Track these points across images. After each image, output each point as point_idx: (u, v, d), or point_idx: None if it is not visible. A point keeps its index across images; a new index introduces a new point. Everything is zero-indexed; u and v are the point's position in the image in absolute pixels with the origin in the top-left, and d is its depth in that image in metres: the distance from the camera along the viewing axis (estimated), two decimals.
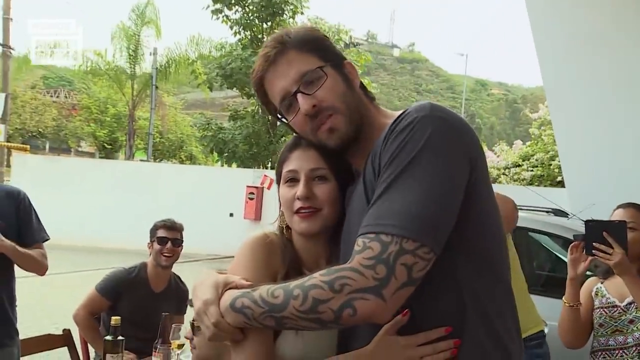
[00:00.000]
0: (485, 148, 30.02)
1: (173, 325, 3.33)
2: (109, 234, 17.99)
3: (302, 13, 23.38)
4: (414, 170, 1.37)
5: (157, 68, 25.51)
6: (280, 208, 1.79)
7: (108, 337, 2.89)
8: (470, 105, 68.22)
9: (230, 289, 1.50)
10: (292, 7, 22.87)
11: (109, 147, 30.50)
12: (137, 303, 3.97)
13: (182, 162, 31.74)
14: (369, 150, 1.54)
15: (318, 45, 1.62)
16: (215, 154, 25.35)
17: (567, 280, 3.14)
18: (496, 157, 25.62)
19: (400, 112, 1.52)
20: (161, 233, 4.12)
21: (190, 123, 34.89)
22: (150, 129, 26.42)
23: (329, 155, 1.68)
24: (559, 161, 10.42)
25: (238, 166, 22.94)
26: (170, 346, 3.22)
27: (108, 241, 17.60)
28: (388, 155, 1.42)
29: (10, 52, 21.54)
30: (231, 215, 18.35)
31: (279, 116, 1.67)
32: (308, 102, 1.54)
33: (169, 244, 4.10)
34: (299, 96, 1.55)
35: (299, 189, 1.67)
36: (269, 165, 22.87)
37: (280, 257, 1.69)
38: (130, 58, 25.74)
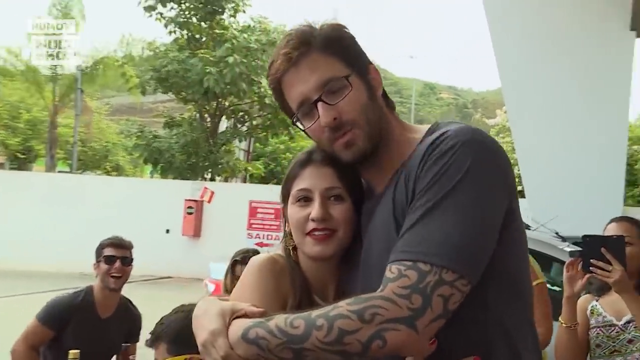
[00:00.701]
0: None
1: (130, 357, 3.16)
2: (32, 255, 17.41)
3: (244, 11, 23.35)
4: (455, 198, 1.40)
5: (82, 70, 24.90)
6: (286, 228, 1.77)
7: None
8: (419, 109, 69.42)
9: (238, 317, 1.47)
10: (233, 4, 22.81)
11: (23, 157, 29.59)
12: (83, 331, 3.76)
13: (107, 173, 31.21)
14: (386, 165, 1.60)
15: (344, 47, 1.60)
16: (148, 165, 25.02)
17: (564, 299, 3.14)
18: None
19: (435, 131, 1.55)
20: (108, 252, 3.96)
21: (116, 130, 34.39)
22: (75, 137, 25.76)
23: (344, 173, 1.69)
24: (518, 170, 10.71)
25: (175, 178, 22.65)
26: None
27: (31, 263, 17.02)
28: (427, 179, 1.43)
29: None
30: (167, 231, 18.19)
31: (295, 121, 1.64)
32: (329, 114, 1.53)
33: (117, 263, 3.93)
34: (320, 106, 1.54)
35: (315, 210, 1.65)
36: (209, 176, 22.67)
37: (290, 282, 1.68)
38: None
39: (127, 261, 3.99)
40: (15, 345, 3.74)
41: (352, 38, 1.64)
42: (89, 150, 31.16)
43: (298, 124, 1.64)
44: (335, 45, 1.58)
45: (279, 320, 1.39)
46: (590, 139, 8.66)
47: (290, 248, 1.75)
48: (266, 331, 1.38)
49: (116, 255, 3.94)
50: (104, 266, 3.92)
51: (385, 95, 1.68)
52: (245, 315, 1.46)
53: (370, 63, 1.65)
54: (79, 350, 2.77)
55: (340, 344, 1.33)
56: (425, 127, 1.65)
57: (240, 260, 4.25)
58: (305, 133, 1.69)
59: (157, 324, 2.63)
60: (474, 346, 1.47)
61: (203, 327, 1.47)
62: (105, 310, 3.96)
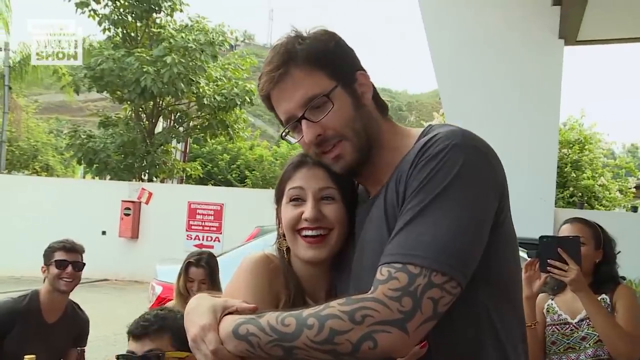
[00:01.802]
0: None
1: None
2: None
3: (181, 10, 23.00)
4: (444, 201, 1.42)
5: (9, 66, 24.22)
6: (280, 230, 1.77)
7: None
8: None
9: (229, 313, 1.48)
10: (170, 3, 22.47)
11: None
12: (28, 337, 3.74)
13: (36, 173, 30.40)
14: (379, 170, 1.63)
15: (328, 59, 1.60)
16: (80, 165, 24.53)
17: (523, 299, 3.16)
18: None
19: (427, 134, 1.57)
20: (59, 256, 3.90)
21: (46, 129, 33.62)
22: (3, 136, 25.05)
23: (337, 175, 1.70)
24: None
25: (111, 178, 22.26)
26: None
27: None
28: (417, 182, 1.46)
29: None
30: (104, 233, 17.92)
31: (284, 135, 1.70)
32: (312, 132, 1.57)
33: (69, 268, 3.89)
34: (304, 123, 1.57)
35: (307, 210, 1.67)
36: (147, 177, 22.36)
37: (284, 282, 1.69)
38: None
39: (79, 266, 3.96)
40: None
41: (339, 47, 1.64)
42: (16, 150, 30.34)
43: (288, 137, 1.68)
44: (319, 58, 1.59)
45: (270, 317, 1.41)
46: (524, 143, 8.88)
47: (284, 249, 1.77)
48: (257, 328, 1.40)
49: (67, 260, 3.89)
50: (54, 270, 3.86)
51: (376, 98, 1.69)
52: (237, 312, 1.48)
53: (359, 69, 1.65)
54: (34, 355, 2.76)
55: (330, 343, 1.35)
56: (418, 131, 1.67)
57: (194, 262, 4.26)
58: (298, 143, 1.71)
59: (158, 310, 2.55)
60: (463, 346, 1.51)
61: (194, 322, 1.48)
62: (52, 315, 3.92)
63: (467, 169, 1.45)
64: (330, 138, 1.57)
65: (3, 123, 25.05)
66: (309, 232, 1.68)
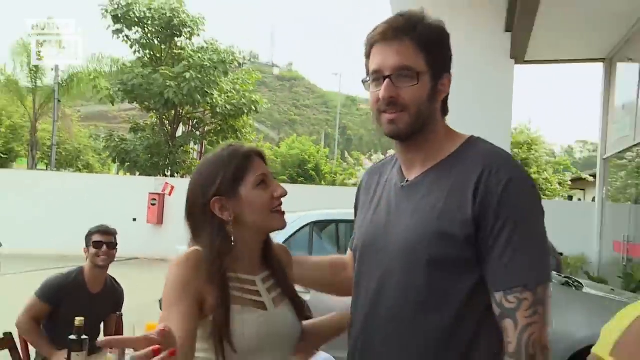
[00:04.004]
0: (362, 157, 31.07)
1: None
2: (30, 241, 16.71)
3: (198, 35, 22.97)
4: (529, 223, 1.42)
5: (59, 83, 24.20)
6: (229, 217, 1.64)
7: (72, 337, 2.70)
8: (342, 118, 69.69)
9: None
10: (189, 29, 22.43)
11: (5, 156, 28.67)
12: (77, 305, 3.70)
13: (79, 170, 30.43)
14: (424, 156, 1.57)
15: (434, 50, 1.53)
16: (114, 164, 24.58)
17: None
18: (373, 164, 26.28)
19: (474, 145, 1.55)
20: (96, 238, 3.94)
21: (86, 134, 33.61)
22: (53, 140, 25.10)
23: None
24: None
25: (140, 174, 22.22)
26: None
27: (30, 247, 16.36)
28: (498, 209, 1.40)
29: None
30: (134, 220, 17.74)
31: (365, 81, 1.59)
32: (388, 92, 1.49)
33: (104, 247, 3.92)
34: (387, 82, 1.50)
35: (279, 189, 1.69)
36: (169, 173, 22.37)
37: (206, 274, 1.56)
38: (31, 73, 24.25)
39: (112, 245, 3.98)
40: (19, 319, 3.70)
41: (447, 46, 1.58)
42: (64, 152, 30.37)
43: (365, 84, 1.59)
44: (429, 45, 1.52)
45: None
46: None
47: (231, 233, 1.65)
48: None
49: (103, 241, 3.92)
50: (93, 250, 3.90)
51: (445, 102, 1.62)
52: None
53: (448, 72, 1.58)
54: (83, 319, 2.79)
55: None
56: (463, 137, 1.60)
57: None
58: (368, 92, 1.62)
59: None
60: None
61: None
62: (95, 287, 3.94)
63: (532, 195, 1.46)
64: (397, 105, 1.50)
65: (53, 129, 25.10)
66: (280, 207, 1.68)
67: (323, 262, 1.95)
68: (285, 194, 1.67)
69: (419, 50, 1.50)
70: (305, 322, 1.80)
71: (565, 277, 5.94)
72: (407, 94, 1.49)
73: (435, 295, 1.43)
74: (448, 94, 1.60)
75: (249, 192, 1.64)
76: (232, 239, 1.65)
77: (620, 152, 8.41)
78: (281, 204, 1.68)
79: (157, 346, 1.17)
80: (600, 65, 8.89)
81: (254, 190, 1.64)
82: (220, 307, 1.55)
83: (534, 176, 21.98)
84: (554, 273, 6.00)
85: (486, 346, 1.44)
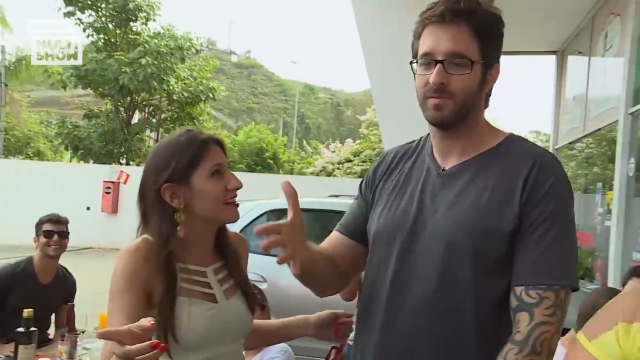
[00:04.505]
0: (320, 145, 31.10)
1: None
2: None
3: (154, 20, 22.64)
4: (565, 226, 1.40)
5: (6, 66, 23.52)
6: (179, 205, 1.62)
7: (20, 329, 2.64)
8: (300, 107, 69.64)
9: None
10: (145, 14, 22.09)
11: None
12: (26, 296, 3.63)
13: (29, 158, 29.66)
14: (463, 146, 1.50)
15: (489, 39, 1.46)
16: (67, 151, 24.12)
17: None
18: (331, 154, 26.31)
19: (516, 143, 1.50)
20: (47, 227, 3.84)
21: (37, 120, 32.83)
22: (0, 126, 24.39)
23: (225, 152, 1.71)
24: None
25: (94, 162, 21.86)
26: (78, 333, 3.01)
27: None
28: (542, 210, 1.37)
29: None
30: (88, 208, 17.54)
31: (412, 62, 1.50)
32: (439, 78, 1.41)
33: (55, 237, 3.83)
34: (439, 67, 1.41)
35: (233, 181, 1.64)
36: (124, 161, 22.07)
37: (156, 263, 1.54)
38: None
39: (64, 234, 3.89)
40: None
41: (501, 35, 1.50)
42: (12, 138, 29.56)
43: (414, 65, 1.49)
44: (485, 33, 1.44)
45: None
46: None
47: (180, 221, 1.62)
48: None
49: (54, 230, 3.83)
50: (43, 239, 3.81)
51: (489, 92, 1.54)
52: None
53: (498, 62, 1.51)
54: (32, 310, 2.73)
55: None
56: (503, 132, 1.55)
57: None
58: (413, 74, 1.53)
59: None
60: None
61: None
62: (45, 277, 3.86)
63: (571, 199, 1.44)
64: (446, 92, 1.41)
65: (0, 115, 24.37)
66: (234, 199, 1.63)
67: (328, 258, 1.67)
68: (239, 186, 1.63)
69: (474, 37, 1.42)
70: (276, 322, 1.83)
71: None
72: (457, 82, 1.42)
73: (474, 287, 1.39)
74: (492, 86, 1.54)
75: (202, 181, 1.59)
76: (180, 228, 1.61)
77: (570, 143, 8.60)
78: (235, 196, 1.64)
79: (156, 341, 1.18)
80: (553, 58, 9.06)
81: (207, 180, 1.59)
82: (165, 298, 1.52)
83: None
84: None
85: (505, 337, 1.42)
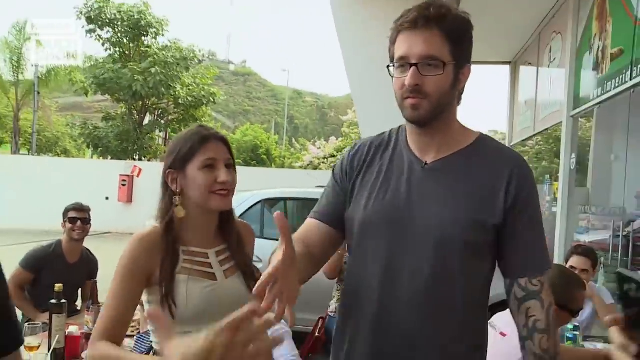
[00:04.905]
0: (307, 143, 31.07)
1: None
2: (14, 218, 16.22)
3: (162, 35, 22.49)
4: (540, 218, 1.38)
5: (39, 77, 23.34)
6: (177, 189, 1.61)
7: (53, 301, 2.64)
8: (290, 109, 69.46)
9: None
10: (154, 30, 21.93)
11: None
12: (56, 273, 3.63)
13: (58, 155, 29.48)
14: (440, 143, 1.41)
15: (460, 41, 1.37)
16: (89, 149, 24.02)
17: None
18: (317, 150, 26.32)
19: (486, 141, 1.44)
20: (72, 214, 3.84)
21: (64, 123, 32.60)
22: (34, 128, 24.26)
23: (230, 148, 1.66)
24: None
25: (112, 158, 21.70)
26: (100, 305, 2.99)
27: (14, 223, 15.84)
28: (526, 201, 1.35)
29: None
30: (107, 198, 17.37)
31: (389, 67, 1.40)
32: (414, 80, 1.32)
33: (79, 223, 3.83)
34: (413, 70, 1.32)
35: (223, 174, 1.58)
36: (137, 157, 21.95)
37: (161, 251, 1.53)
38: (13, 68, 23.57)
39: (86, 221, 3.88)
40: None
41: (470, 37, 1.40)
42: (43, 138, 29.34)
43: (391, 69, 1.39)
44: (456, 36, 1.35)
45: None
46: None
47: (178, 205, 1.60)
48: None
49: (77, 217, 3.83)
50: (69, 225, 3.81)
51: (461, 92, 1.44)
52: None
53: (469, 63, 1.41)
54: (61, 285, 2.72)
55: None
56: (473, 131, 1.47)
57: None
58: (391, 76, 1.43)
59: None
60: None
61: None
62: (72, 257, 3.86)
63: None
64: (421, 92, 1.33)
65: (34, 118, 24.26)
66: (222, 191, 1.57)
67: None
68: (227, 181, 1.57)
69: (446, 41, 1.33)
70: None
71: None
72: (431, 83, 1.33)
73: (465, 275, 1.33)
74: (465, 84, 1.44)
75: (195, 171, 1.57)
76: (180, 211, 1.59)
77: (523, 140, 8.67)
78: (224, 188, 1.58)
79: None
80: (507, 68, 9.11)
81: (199, 171, 1.57)
82: (165, 275, 1.50)
83: None
84: None
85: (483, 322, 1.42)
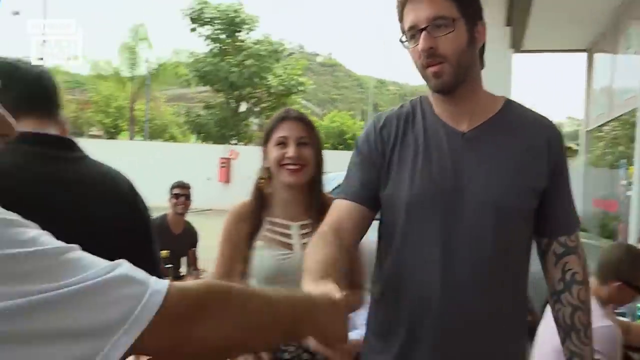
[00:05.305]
0: None
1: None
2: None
3: (255, 30, 22.97)
4: (570, 177, 1.33)
5: (150, 72, 24.83)
6: (264, 164, 1.68)
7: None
8: (374, 98, 68.91)
9: None
10: (247, 26, 22.48)
11: (113, 131, 29.60)
12: (163, 242, 3.87)
13: (166, 141, 31.07)
14: (471, 109, 1.28)
15: None
16: (192, 135, 25.14)
17: None
18: None
19: (512, 105, 1.32)
20: (175, 191, 4.15)
21: (171, 112, 34.23)
22: (146, 117, 25.88)
23: (310, 126, 1.66)
24: None
25: (213, 143, 22.58)
26: (199, 271, 3.27)
27: None
28: (564, 162, 1.29)
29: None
30: (208, 179, 18.08)
31: (402, 40, 1.27)
32: (427, 43, 1.19)
33: (181, 198, 4.13)
34: (423, 34, 1.20)
35: (290, 150, 1.61)
36: (234, 142, 22.65)
37: (249, 222, 1.63)
38: (130, 65, 25.24)
39: (187, 197, 4.17)
40: None
41: None
42: (154, 126, 31.04)
43: (404, 44, 1.27)
44: None
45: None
46: None
47: (266, 178, 1.68)
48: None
49: (180, 193, 4.12)
50: (173, 200, 4.11)
51: (481, 52, 1.29)
52: None
53: (481, 20, 1.26)
54: (168, 251, 2.99)
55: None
56: (497, 96, 1.34)
57: None
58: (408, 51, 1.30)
59: None
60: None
61: None
62: (176, 229, 4.14)
63: None
64: (438, 55, 1.20)
65: (147, 109, 25.87)
66: (290, 166, 1.61)
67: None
68: (294, 156, 1.60)
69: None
70: None
71: None
72: (445, 43, 1.20)
73: (519, 241, 1.26)
74: (484, 45, 1.30)
75: (271, 147, 1.65)
76: (267, 185, 1.66)
77: (599, 126, 8.26)
78: (292, 163, 1.60)
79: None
80: (583, 55, 8.66)
81: (274, 147, 1.64)
82: (246, 240, 1.61)
83: None
84: None
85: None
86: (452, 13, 1.20)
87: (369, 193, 1.30)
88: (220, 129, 22.42)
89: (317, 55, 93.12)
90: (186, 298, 0.63)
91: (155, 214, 4.14)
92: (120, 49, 25.27)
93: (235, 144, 22.26)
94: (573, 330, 1.26)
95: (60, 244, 0.61)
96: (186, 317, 0.63)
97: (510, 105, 1.31)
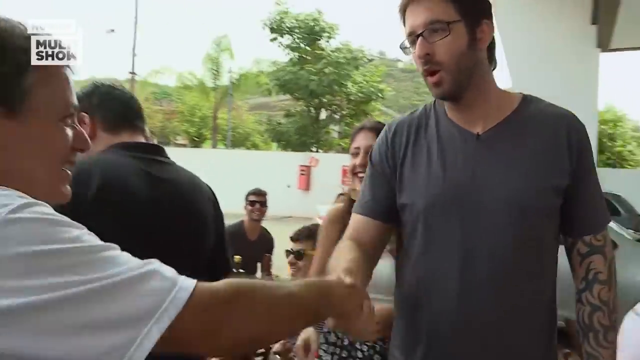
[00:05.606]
0: None
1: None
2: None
3: (334, 38, 23.23)
4: (596, 172, 1.28)
5: (232, 82, 25.71)
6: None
7: (233, 270, 2.99)
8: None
9: None
10: (327, 34, 22.74)
11: (197, 139, 30.96)
12: (238, 248, 3.92)
13: (248, 148, 31.94)
14: (484, 111, 1.23)
15: None
16: (273, 143, 25.70)
17: None
18: None
19: (533, 103, 1.27)
20: (252, 198, 4.17)
21: (253, 120, 35.20)
22: (229, 126, 26.82)
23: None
24: None
25: (292, 151, 22.96)
26: (272, 277, 3.31)
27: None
28: (587, 158, 1.24)
29: (134, 77, 21.71)
30: (288, 186, 18.38)
31: (402, 47, 1.25)
32: (422, 49, 1.17)
33: (257, 205, 4.15)
34: (419, 40, 1.17)
35: (359, 159, 1.76)
36: (315, 149, 22.91)
37: (341, 223, 1.64)
38: (213, 75, 26.41)
39: (263, 203, 4.18)
40: None
41: None
42: (237, 134, 32.01)
43: (406, 51, 1.25)
44: None
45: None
46: None
47: (350, 187, 1.85)
48: None
49: (256, 200, 4.14)
50: (249, 207, 4.13)
51: (491, 50, 1.25)
52: None
53: (487, 18, 1.21)
54: (240, 257, 3.05)
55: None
56: (514, 94, 1.30)
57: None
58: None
59: (309, 225, 2.87)
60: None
61: None
62: (252, 235, 4.17)
63: None
64: (434, 63, 1.17)
65: (229, 118, 26.84)
66: (361, 174, 1.68)
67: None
68: (362, 164, 1.72)
69: (448, 1, 1.17)
70: None
71: None
72: (441, 48, 1.16)
73: (540, 241, 1.21)
74: (494, 43, 1.25)
75: (351, 157, 1.82)
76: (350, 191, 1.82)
77: None
78: (362, 171, 1.67)
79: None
80: None
81: (351, 157, 1.81)
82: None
83: (619, 149, 20.27)
84: (631, 231, 5.60)
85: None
86: (450, 16, 1.16)
87: (382, 207, 1.29)
88: (300, 136, 22.79)
89: (398, 61, 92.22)
90: (213, 295, 0.69)
91: (233, 221, 4.25)
92: (203, 59, 26.61)
93: (315, 151, 22.52)
94: (591, 331, 1.22)
95: (99, 242, 0.66)
96: (214, 312, 0.68)
97: (527, 102, 1.26)
